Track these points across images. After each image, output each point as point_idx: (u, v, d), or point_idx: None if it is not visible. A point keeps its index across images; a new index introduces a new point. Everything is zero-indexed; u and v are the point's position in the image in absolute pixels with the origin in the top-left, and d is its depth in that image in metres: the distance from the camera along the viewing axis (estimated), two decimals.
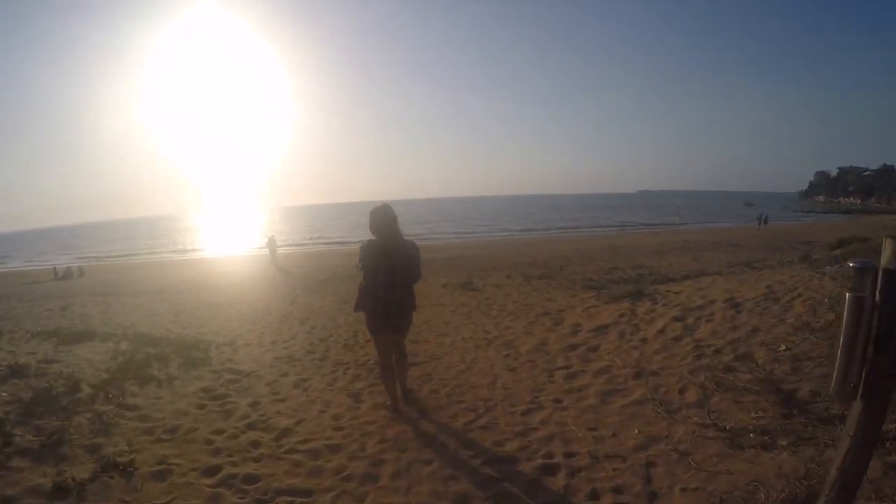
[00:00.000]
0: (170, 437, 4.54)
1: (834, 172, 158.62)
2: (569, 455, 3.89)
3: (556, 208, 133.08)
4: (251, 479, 3.82)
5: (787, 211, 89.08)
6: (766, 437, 3.79)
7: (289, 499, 3.57)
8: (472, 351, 6.85)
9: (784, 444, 3.66)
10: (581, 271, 16.09)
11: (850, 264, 2.00)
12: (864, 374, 1.93)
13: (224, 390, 5.73)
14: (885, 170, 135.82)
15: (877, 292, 1.88)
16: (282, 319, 10.10)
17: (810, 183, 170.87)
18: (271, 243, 29.03)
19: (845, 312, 1.94)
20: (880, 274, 1.89)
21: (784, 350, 5.32)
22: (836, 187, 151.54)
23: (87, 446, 4.27)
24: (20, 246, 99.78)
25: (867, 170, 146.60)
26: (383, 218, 4.42)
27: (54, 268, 32.06)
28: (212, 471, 3.94)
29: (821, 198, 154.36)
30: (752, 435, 3.85)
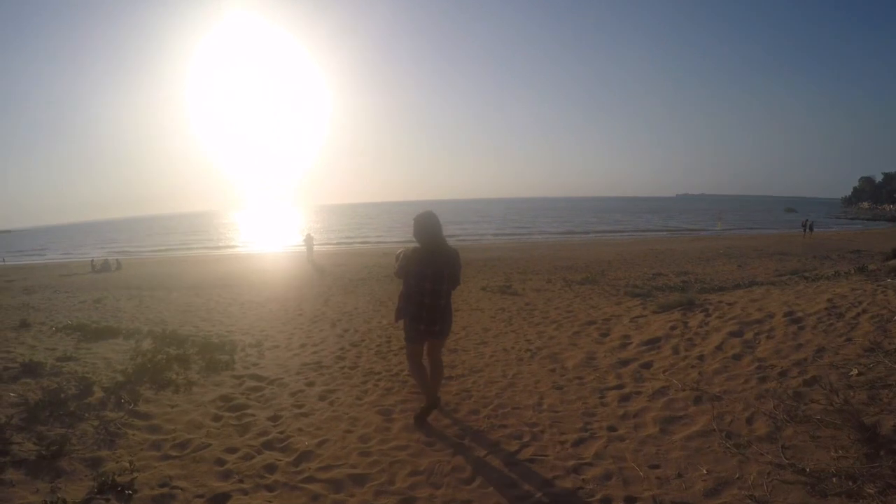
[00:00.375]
0: (178, 454, 4.09)
1: (879, 178, 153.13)
2: (630, 500, 3.30)
3: (594, 211, 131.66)
4: None
5: (830, 217, 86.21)
6: (852, 484, 3.19)
7: None
8: (515, 364, 6.27)
9: (871, 492, 3.07)
10: (624, 277, 15.48)
11: None
12: None
13: (244, 399, 5.32)
14: None
15: None
16: (313, 321, 9.71)
17: (854, 189, 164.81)
18: (308, 241, 28.86)
19: None
20: None
21: (857, 375, 4.65)
22: (881, 194, 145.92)
23: (87, 460, 3.86)
24: (61, 238, 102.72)
25: None
26: (429, 226, 4.35)
27: (91, 260, 32.22)
28: (218, 500, 3.47)
29: (865, 204, 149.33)
30: (835, 480, 3.25)
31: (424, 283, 4.28)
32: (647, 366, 5.77)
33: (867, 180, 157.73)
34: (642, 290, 11.70)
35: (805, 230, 39.73)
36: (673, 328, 6.93)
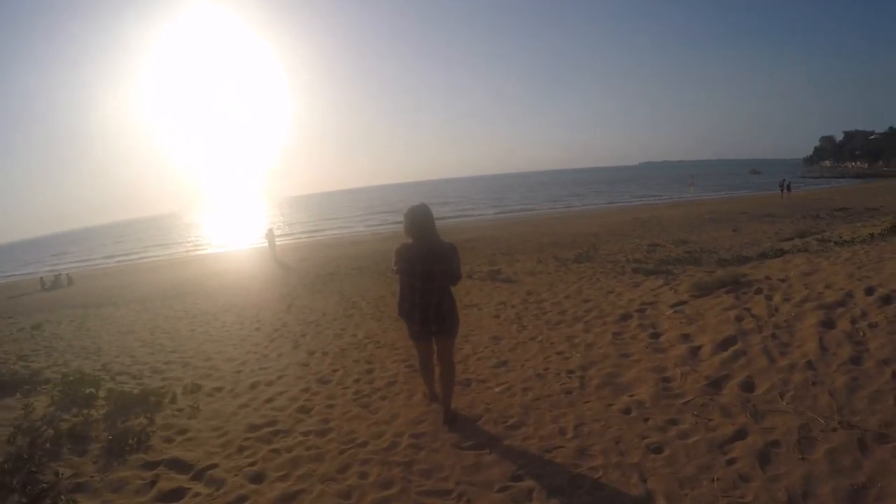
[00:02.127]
0: None
1: (840, 137, 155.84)
2: None
3: (560, 184, 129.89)
4: None
5: (795, 177, 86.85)
6: None
7: None
8: (564, 402, 4.34)
9: None
10: (619, 250, 14.25)
11: None
12: None
13: None
14: (893, 133, 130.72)
15: None
16: (272, 338, 8.02)
17: (816, 148, 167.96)
18: (269, 235, 27.08)
19: None
20: None
21: None
22: (842, 152, 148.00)
23: None
24: (14, 255, 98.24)
25: (873, 133, 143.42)
26: (418, 220, 4.09)
27: (41, 278, 30.18)
28: None
29: (827, 163, 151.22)
30: None
31: (414, 282, 4.09)
32: (749, 386, 4.14)
33: (828, 139, 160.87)
34: (650, 264, 10.56)
35: (783, 190, 39.18)
36: (739, 319, 5.49)
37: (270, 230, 27.71)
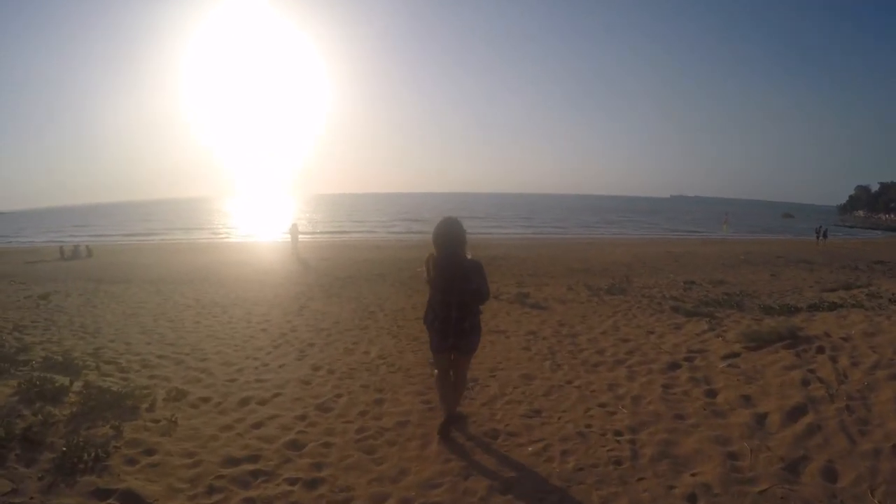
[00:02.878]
0: None
1: (875, 187, 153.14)
2: None
3: (591, 209, 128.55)
4: None
5: (828, 225, 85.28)
6: None
7: None
8: (614, 479, 3.49)
9: None
10: (654, 284, 13.39)
11: None
12: None
13: None
14: None
15: None
16: (276, 344, 7.31)
17: (850, 197, 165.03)
18: (293, 231, 26.59)
19: None
20: None
21: None
22: (877, 203, 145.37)
23: None
24: (45, 221, 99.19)
25: None
26: (443, 234, 4.07)
27: (61, 247, 30.05)
28: None
29: (860, 213, 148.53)
30: None
31: (436, 293, 4.12)
32: (831, 474, 3.40)
33: (863, 189, 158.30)
34: (687, 304, 9.86)
35: (818, 237, 38.19)
36: (805, 383, 4.79)
37: (295, 225, 27.26)
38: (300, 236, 27.84)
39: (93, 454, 3.59)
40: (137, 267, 20.19)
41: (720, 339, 6.65)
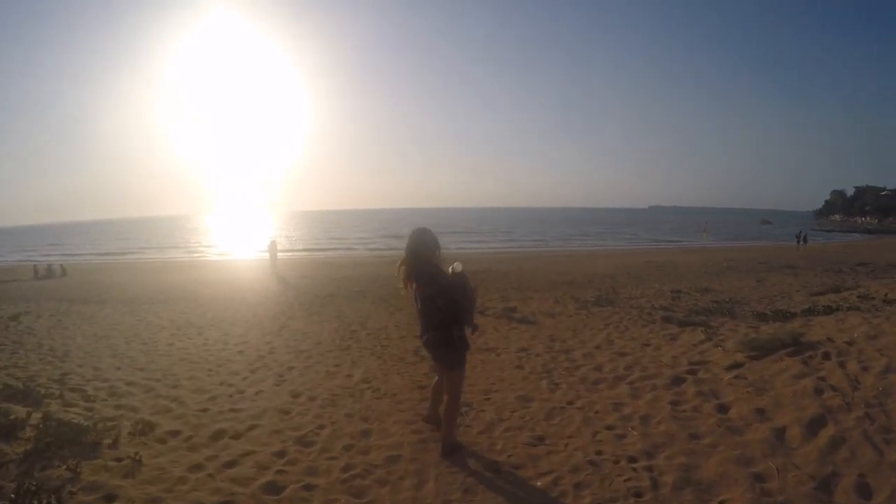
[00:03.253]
0: None
1: (850, 192, 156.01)
2: None
3: (570, 221, 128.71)
4: None
5: (805, 230, 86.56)
6: None
7: None
8: None
9: None
10: (641, 294, 13.21)
11: None
12: None
13: None
14: None
15: None
16: (254, 366, 6.90)
17: (826, 202, 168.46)
18: (272, 248, 25.96)
19: None
20: None
21: None
22: (852, 207, 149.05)
23: None
24: (19, 240, 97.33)
25: (884, 189, 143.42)
26: (412, 244, 4.10)
27: (35, 266, 29.32)
28: None
29: (836, 217, 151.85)
30: None
31: (415, 302, 4.17)
32: (865, 490, 3.18)
33: (839, 193, 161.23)
34: (678, 313, 9.73)
35: (799, 242, 38.68)
36: (818, 392, 4.58)
37: (273, 242, 26.63)
38: (279, 253, 27.28)
39: (45, 502, 3.18)
40: (112, 286, 19.54)
41: (719, 348, 6.44)
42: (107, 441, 4.23)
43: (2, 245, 79.44)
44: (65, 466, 3.69)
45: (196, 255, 51.23)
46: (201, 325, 10.37)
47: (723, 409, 4.59)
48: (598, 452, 3.93)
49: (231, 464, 3.95)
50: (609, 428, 4.36)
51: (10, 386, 5.61)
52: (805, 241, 38.92)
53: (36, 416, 4.49)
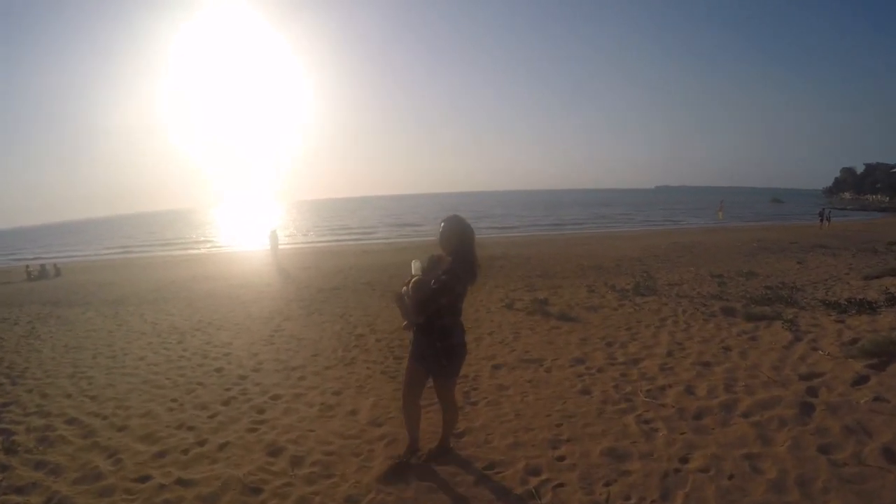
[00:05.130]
0: None
1: (860, 169, 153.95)
2: None
3: (579, 203, 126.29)
4: None
5: (814, 208, 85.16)
6: None
7: None
8: None
9: None
10: (680, 280, 11.83)
11: None
12: None
13: None
14: None
15: None
16: (229, 395, 5.36)
17: (836, 179, 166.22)
18: (273, 238, 24.52)
19: None
20: None
21: None
22: (862, 184, 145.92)
23: None
24: (20, 240, 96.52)
25: (895, 166, 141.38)
26: (459, 232, 3.47)
27: (27, 267, 28.12)
28: None
29: (846, 195, 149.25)
30: None
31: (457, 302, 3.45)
32: None
33: (848, 171, 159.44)
34: (734, 303, 8.46)
35: (821, 220, 37.04)
36: None
37: (274, 232, 25.14)
38: (280, 244, 25.86)
39: None
40: (103, 286, 18.24)
41: (819, 352, 5.20)
42: None
43: (6, 245, 78.70)
44: None
45: (196, 249, 49.78)
46: (185, 329, 9.07)
47: (890, 454, 3.15)
48: None
49: None
50: None
51: None
52: (828, 219, 37.43)
53: None
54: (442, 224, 3.46)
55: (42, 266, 28.11)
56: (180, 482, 3.53)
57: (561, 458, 3.62)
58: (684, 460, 3.42)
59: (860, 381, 4.36)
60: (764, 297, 8.85)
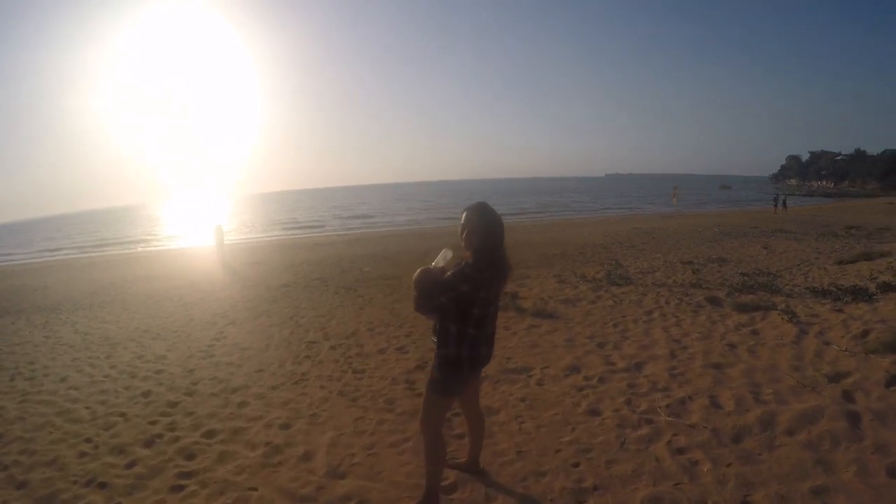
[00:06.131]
0: None
1: (805, 157, 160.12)
2: None
3: (535, 192, 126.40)
4: None
5: (764, 193, 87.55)
6: None
7: None
8: None
9: None
10: (650, 268, 11.38)
11: None
12: None
13: None
14: (859, 155, 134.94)
15: None
16: (152, 436, 4.28)
17: (782, 167, 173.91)
18: (217, 233, 23.06)
19: None
20: None
21: None
22: (808, 171, 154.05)
23: None
24: None
25: (839, 154, 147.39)
26: (496, 224, 2.83)
27: None
28: None
29: (792, 181, 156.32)
30: None
31: (485, 306, 2.80)
32: None
33: (794, 158, 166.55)
34: (717, 291, 8.10)
35: (776, 205, 37.72)
36: None
37: (219, 227, 23.63)
38: (226, 239, 24.48)
39: None
40: (38, 290, 16.82)
41: (833, 347, 4.76)
42: None
43: None
44: None
45: (138, 247, 47.66)
46: (117, 340, 8.07)
47: None
48: None
49: None
50: None
51: None
52: (784, 205, 38.05)
53: None
54: (463, 214, 2.82)
55: None
56: None
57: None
58: None
59: (893, 381, 3.85)
60: (744, 284, 8.52)
